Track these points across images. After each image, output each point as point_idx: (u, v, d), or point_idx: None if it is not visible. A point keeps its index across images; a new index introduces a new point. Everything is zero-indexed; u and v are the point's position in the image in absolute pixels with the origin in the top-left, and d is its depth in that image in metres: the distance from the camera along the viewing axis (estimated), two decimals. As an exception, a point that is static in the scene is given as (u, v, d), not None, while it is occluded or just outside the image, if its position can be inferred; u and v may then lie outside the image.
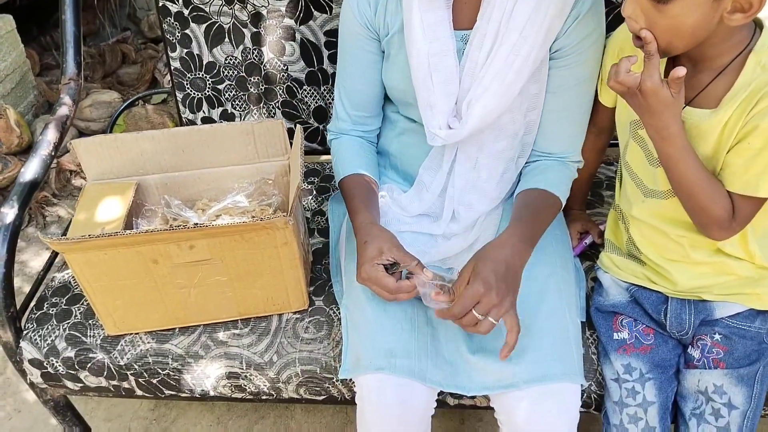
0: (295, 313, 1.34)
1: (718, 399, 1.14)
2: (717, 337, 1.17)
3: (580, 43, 1.16)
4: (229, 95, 1.68)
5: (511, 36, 1.11)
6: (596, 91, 1.25)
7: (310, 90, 1.65)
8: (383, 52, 1.28)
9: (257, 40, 1.60)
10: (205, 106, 1.70)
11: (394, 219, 1.32)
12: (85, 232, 1.17)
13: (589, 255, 1.44)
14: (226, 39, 1.61)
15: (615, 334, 1.24)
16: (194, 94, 1.69)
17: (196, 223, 1.08)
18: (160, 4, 1.58)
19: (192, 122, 1.73)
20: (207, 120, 1.72)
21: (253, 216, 1.32)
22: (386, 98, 1.38)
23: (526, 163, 1.30)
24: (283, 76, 1.64)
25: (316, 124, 1.70)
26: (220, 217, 1.30)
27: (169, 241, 1.13)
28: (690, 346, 1.20)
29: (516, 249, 1.12)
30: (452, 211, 1.30)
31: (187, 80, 1.67)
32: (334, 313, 1.34)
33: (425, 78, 1.17)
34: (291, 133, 1.63)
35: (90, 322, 1.35)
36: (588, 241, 1.44)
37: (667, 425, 1.18)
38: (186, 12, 1.58)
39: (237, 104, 1.69)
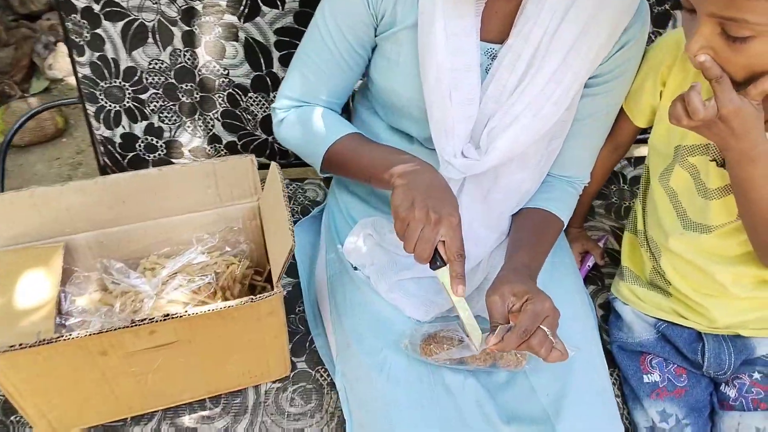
0: (274, 382, 1.12)
1: (762, 445, 1.05)
2: (757, 376, 1.07)
3: (621, 70, 1.01)
4: (155, 106, 1.38)
5: (551, 61, 0.93)
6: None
7: (256, 98, 1.38)
8: (374, 44, 1.05)
9: (190, 40, 1.31)
10: (124, 121, 1.39)
11: (389, 264, 1.11)
12: (5, 324, 0.88)
13: (592, 277, 1.31)
14: (150, 39, 1.30)
15: (645, 376, 1.12)
16: (110, 106, 1.37)
17: (167, 314, 0.83)
18: (61, -2, 1.25)
19: (109, 140, 1.41)
20: (128, 137, 1.41)
21: (216, 272, 1.07)
22: (368, 107, 1.16)
23: None
24: (223, 82, 1.36)
25: (264, 136, 1.44)
26: (175, 278, 1.04)
27: (126, 331, 0.87)
28: (724, 385, 1.10)
29: (524, 275, 0.99)
30: (460, 252, 1.11)
31: (100, 90, 1.35)
32: (321, 376, 1.13)
33: (443, 97, 0.96)
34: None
35: (12, 419, 1.06)
36: (590, 263, 1.31)
37: (707, 474, 1.08)
38: (97, 7, 1.26)
39: (165, 117, 1.40)
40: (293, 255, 1.28)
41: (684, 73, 0.98)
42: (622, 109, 1.10)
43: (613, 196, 1.46)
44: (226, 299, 1.07)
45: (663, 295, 1.13)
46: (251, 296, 0.87)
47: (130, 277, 1.01)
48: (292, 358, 1.14)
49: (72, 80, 2.62)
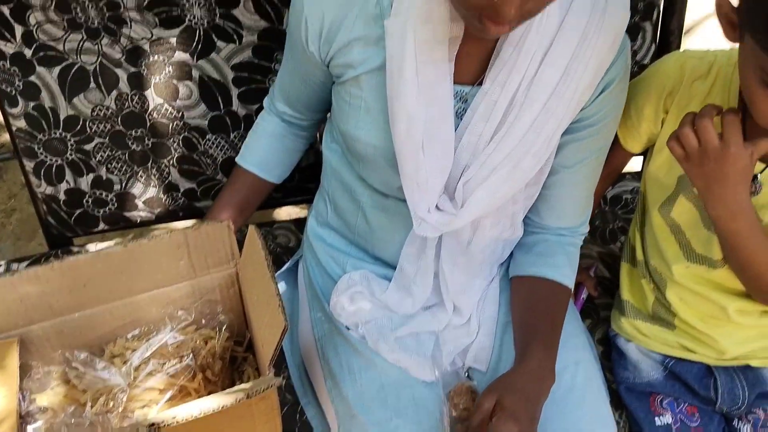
0: (265, 464, 1.01)
1: (783, 482, 1.01)
2: (772, 409, 1.04)
3: (606, 111, 0.93)
4: (101, 157, 1.24)
5: (532, 108, 0.85)
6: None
7: (215, 139, 1.27)
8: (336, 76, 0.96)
9: (137, 82, 1.18)
10: (68, 175, 1.25)
11: (386, 321, 1.02)
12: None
13: (586, 310, 1.26)
14: (92, 84, 1.17)
15: (657, 418, 1.07)
16: (51, 160, 1.23)
17: (153, 424, 0.72)
18: (-15, 44, 1.10)
19: (53, 197, 1.26)
20: (73, 192, 1.26)
21: (194, 349, 0.95)
22: (337, 153, 1.05)
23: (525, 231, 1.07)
24: (177, 125, 1.23)
25: (225, 180, 1.32)
26: (149, 363, 0.92)
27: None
28: (737, 420, 1.06)
29: (541, 377, 0.91)
30: (452, 303, 1.03)
31: (38, 143, 1.21)
32: (317, 450, 1.04)
33: (416, 149, 0.87)
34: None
35: None
36: (585, 295, 1.25)
37: None
38: (28, 53, 1.12)
39: (115, 167, 1.26)
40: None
41: (688, 100, 0.93)
42: (615, 136, 1.05)
43: (595, 219, 1.41)
44: (207, 379, 0.96)
45: (667, 328, 1.08)
46: (246, 391, 0.77)
47: (97, 367, 0.89)
48: (283, 434, 1.04)
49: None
